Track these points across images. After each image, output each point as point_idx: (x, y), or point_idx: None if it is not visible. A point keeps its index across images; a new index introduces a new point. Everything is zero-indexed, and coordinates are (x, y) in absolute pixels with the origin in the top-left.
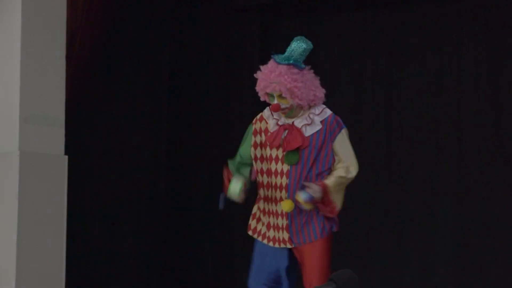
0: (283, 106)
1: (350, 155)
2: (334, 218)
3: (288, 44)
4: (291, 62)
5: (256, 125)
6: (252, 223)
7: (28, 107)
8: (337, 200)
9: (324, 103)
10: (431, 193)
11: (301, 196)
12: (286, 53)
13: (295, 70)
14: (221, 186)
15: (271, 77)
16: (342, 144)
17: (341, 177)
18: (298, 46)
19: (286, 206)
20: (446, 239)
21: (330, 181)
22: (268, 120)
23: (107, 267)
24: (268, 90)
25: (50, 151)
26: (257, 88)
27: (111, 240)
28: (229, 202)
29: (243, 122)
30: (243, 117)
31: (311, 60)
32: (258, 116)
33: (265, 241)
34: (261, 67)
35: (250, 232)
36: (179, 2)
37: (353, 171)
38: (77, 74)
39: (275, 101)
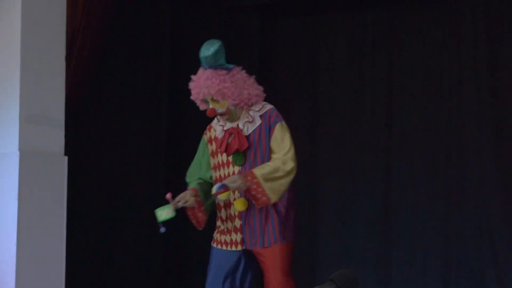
0: (219, 111)
1: (285, 148)
2: (290, 226)
3: (289, 43)
4: (217, 65)
5: (206, 135)
6: (214, 235)
7: (28, 107)
8: (270, 191)
9: (266, 100)
10: (430, 194)
11: (213, 188)
12: (204, 61)
13: (222, 72)
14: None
15: (201, 83)
16: (278, 137)
17: (272, 166)
18: (207, 51)
19: (238, 204)
20: (446, 239)
21: (257, 168)
22: (216, 128)
23: (107, 267)
24: (200, 96)
25: (50, 151)
26: (192, 98)
27: (111, 240)
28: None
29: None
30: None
31: (310, 59)
32: (208, 127)
33: (218, 246)
34: (192, 77)
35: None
36: (179, 1)
37: (290, 163)
38: (77, 74)
39: (210, 106)
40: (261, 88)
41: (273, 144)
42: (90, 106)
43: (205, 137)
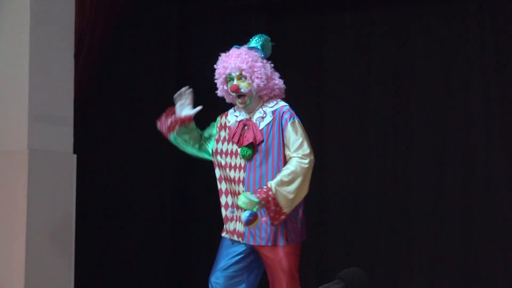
0: (242, 90)
1: (300, 143)
2: (298, 227)
3: (296, 42)
4: (251, 45)
5: (221, 119)
6: (225, 226)
7: (37, 105)
8: (286, 203)
9: (283, 100)
10: (438, 195)
11: (243, 219)
12: (251, 42)
13: (256, 53)
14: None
15: (231, 58)
16: (292, 133)
17: (290, 172)
18: (261, 36)
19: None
20: (453, 241)
21: (274, 181)
22: (230, 118)
23: (114, 265)
24: (228, 71)
25: (58, 149)
26: (217, 76)
27: (119, 239)
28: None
29: None
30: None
31: (316, 58)
32: (224, 113)
33: (228, 235)
34: (221, 55)
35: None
36: (186, 0)
37: (307, 158)
38: (85, 73)
39: (234, 82)
40: (284, 86)
41: (286, 141)
42: (98, 105)
43: (219, 120)
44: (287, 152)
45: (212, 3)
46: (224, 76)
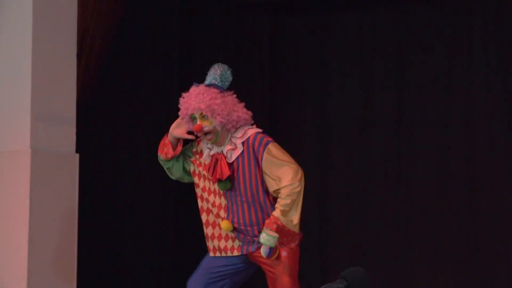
0: (205, 128)
1: (285, 168)
2: (290, 232)
3: (299, 42)
4: (211, 84)
5: (197, 147)
6: (208, 244)
7: (39, 105)
8: (294, 224)
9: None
10: (441, 194)
11: (263, 254)
12: (208, 79)
13: (215, 90)
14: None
15: (191, 99)
16: (272, 163)
17: (284, 204)
18: (217, 69)
19: (225, 227)
20: (456, 240)
21: (277, 213)
22: (204, 149)
23: (117, 264)
24: (189, 111)
25: (61, 149)
26: (180, 114)
27: (122, 238)
28: None
29: (253, 120)
30: (253, 115)
31: (320, 58)
32: (197, 140)
33: (216, 254)
34: (182, 94)
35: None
36: (189, 0)
37: (296, 182)
38: (88, 72)
39: (197, 122)
40: (250, 113)
41: (272, 171)
42: (101, 104)
43: (195, 146)
44: (274, 185)
45: (215, 3)
46: (187, 116)
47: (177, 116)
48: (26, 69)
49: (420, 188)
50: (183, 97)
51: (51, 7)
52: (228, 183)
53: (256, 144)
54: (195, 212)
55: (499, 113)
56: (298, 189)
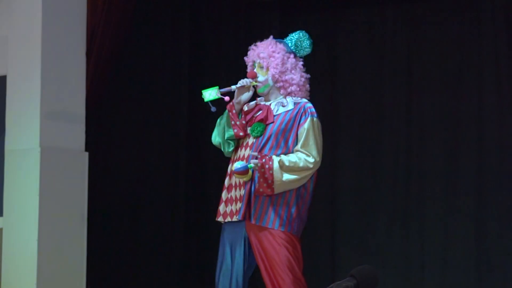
0: (259, 78)
1: (311, 145)
2: (295, 219)
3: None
4: (284, 41)
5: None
6: (220, 207)
7: (49, 103)
8: (278, 183)
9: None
10: (451, 190)
11: (234, 165)
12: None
13: (282, 47)
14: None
15: (258, 48)
16: (309, 130)
17: (293, 162)
18: (298, 33)
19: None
20: (466, 235)
21: (278, 158)
22: (250, 104)
23: (126, 263)
24: (250, 57)
25: (70, 147)
26: (247, 61)
27: (132, 236)
28: None
29: None
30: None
31: (329, 54)
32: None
33: (221, 219)
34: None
35: (219, 218)
36: None
37: (311, 162)
38: (97, 70)
39: (254, 70)
40: (307, 86)
41: (300, 134)
42: (110, 102)
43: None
44: (296, 146)
45: (224, 2)
46: (250, 63)
47: (190, 112)
48: (36, 68)
49: (430, 187)
50: (255, 44)
51: (60, 5)
52: (260, 129)
53: (308, 109)
54: (205, 210)
55: (509, 107)
56: (309, 166)
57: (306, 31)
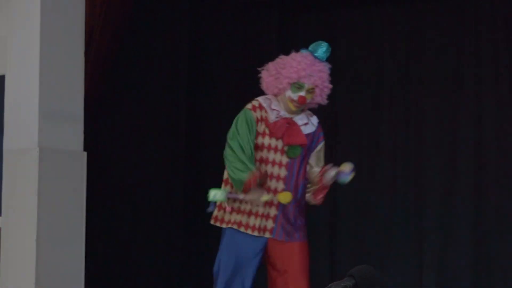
0: (308, 101)
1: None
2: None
3: (308, 39)
4: (324, 58)
5: (255, 113)
6: (226, 215)
7: (47, 103)
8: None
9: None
10: (450, 192)
11: (346, 167)
12: (321, 53)
13: (328, 71)
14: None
15: (312, 70)
16: (322, 151)
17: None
18: (326, 48)
19: (284, 198)
20: (465, 235)
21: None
22: (268, 110)
23: (125, 263)
24: (304, 81)
25: (69, 147)
26: (289, 75)
27: (130, 236)
28: None
29: None
30: None
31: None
32: (255, 104)
33: (242, 229)
34: (294, 56)
35: (224, 224)
36: None
37: None
38: (95, 70)
39: (303, 94)
40: None
41: (314, 157)
42: (109, 103)
43: (254, 114)
44: (312, 164)
45: (223, 1)
46: (300, 79)
47: (189, 112)
48: (34, 68)
49: (429, 187)
50: (296, 60)
51: (58, 5)
52: (299, 151)
53: (321, 130)
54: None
55: (507, 109)
56: None
57: (306, 31)
